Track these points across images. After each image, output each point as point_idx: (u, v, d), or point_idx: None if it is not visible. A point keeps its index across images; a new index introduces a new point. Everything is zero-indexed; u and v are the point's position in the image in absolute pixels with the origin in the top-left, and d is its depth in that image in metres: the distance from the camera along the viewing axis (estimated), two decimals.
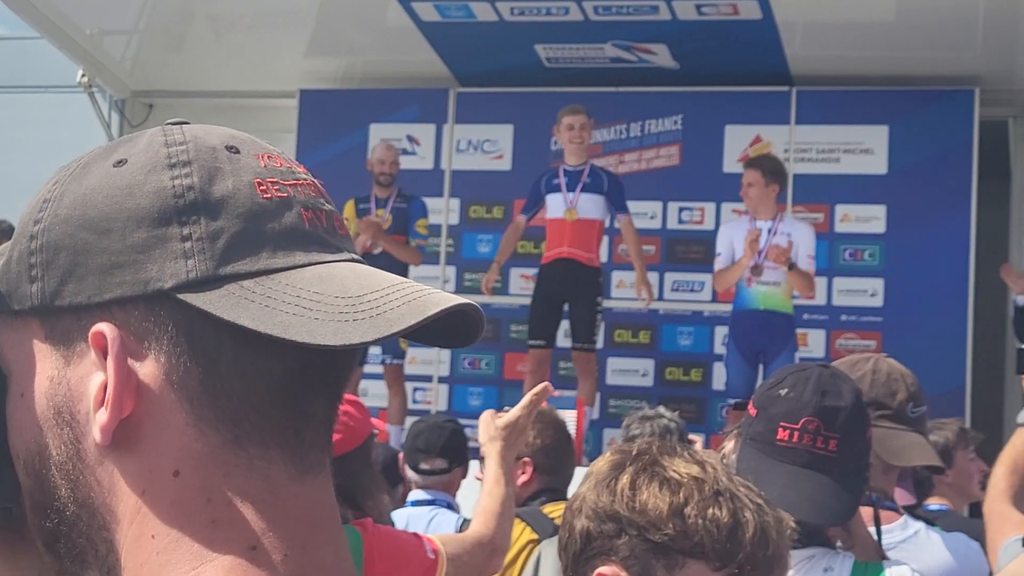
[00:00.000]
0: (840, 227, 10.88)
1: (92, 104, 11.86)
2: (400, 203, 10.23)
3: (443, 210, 11.47)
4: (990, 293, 11.05)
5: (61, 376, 0.99)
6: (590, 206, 9.69)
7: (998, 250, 11.06)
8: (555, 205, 9.78)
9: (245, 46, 11.62)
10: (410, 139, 11.79)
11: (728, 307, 9.71)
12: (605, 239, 10.88)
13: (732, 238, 9.37)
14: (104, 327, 0.95)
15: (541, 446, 4.52)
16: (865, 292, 10.81)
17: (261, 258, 0.97)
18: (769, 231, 9.15)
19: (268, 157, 1.04)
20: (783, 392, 2.75)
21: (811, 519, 2.67)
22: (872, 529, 2.97)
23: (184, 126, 1.04)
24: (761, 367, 9.07)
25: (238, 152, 1.02)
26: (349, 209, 10.22)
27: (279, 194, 1.00)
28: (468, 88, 11.74)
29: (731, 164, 11.08)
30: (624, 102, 11.32)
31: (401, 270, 10.00)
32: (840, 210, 10.92)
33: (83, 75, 11.64)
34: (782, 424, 2.71)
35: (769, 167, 9.25)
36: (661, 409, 5.51)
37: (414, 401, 10.88)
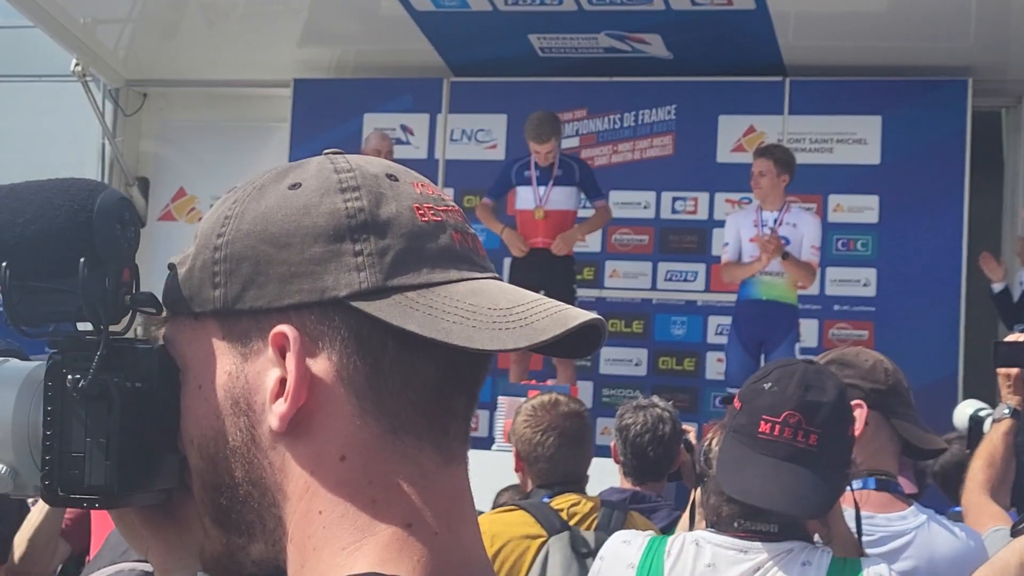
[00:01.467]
0: (833, 217, 10.89)
1: (86, 93, 11.83)
2: None
3: None
4: (982, 283, 11.07)
5: (239, 371, 1.13)
6: (562, 198, 9.78)
7: (990, 240, 11.07)
8: (525, 198, 9.85)
9: (239, 35, 11.61)
10: (404, 128, 11.80)
11: (722, 296, 9.75)
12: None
13: (740, 228, 9.39)
14: (285, 328, 1.09)
15: (542, 440, 4.45)
16: (858, 282, 10.83)
17: (422, 273, 1.10)
18: (775, 221, 9.17)
19: (422, 185, 1.18)
20: (767, 386, 2.80)
21: (789, 511, 2.72)
22: (853, 525, 2.99)
23: (347, 155, 1.19)
24: (763, 357, 9.08)
25: (397, 180, 1.16)
26: None
27: (434, 218, 1.14)
28: (462, 78, 11.74)
29: (724, 154, 11.10)
30: (618, 92, 11.33)
31: None
32: (833, 200, 10.93)
33: (77, 64, 11.62)
34: (764, 417, 2.76)
35: (781, 157, 9.25)
36: (655, 399, 5.52)
37: None
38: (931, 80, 10.79)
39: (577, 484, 4.45)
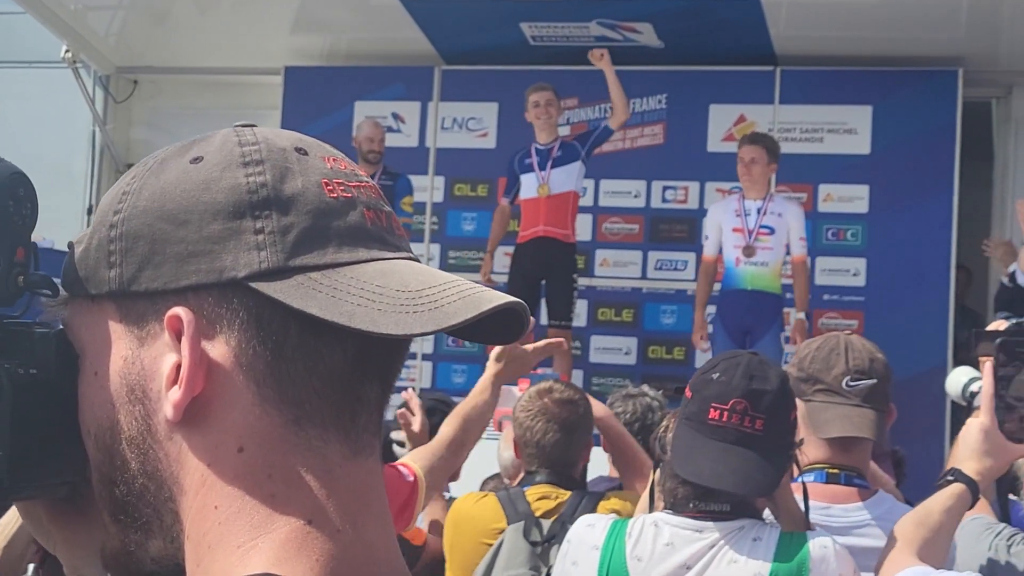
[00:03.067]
0: (823, 207, 10.91)
1: (76, 80, 11.81)
2: (386, 180, 10.25)
3: (428, 188, 11.48)
4: (972, 273, 11.12)
5: (135, 356, 1.07)
6: (563, 178, 9.80)
7: (980, 230, 11.10)
8: (528, 185, 9.89)
9: (230, 22, 11.59)
10: (395, 116, 11.79)
11: (711, 286, 9.75)
12: (589, 217, 10.91)
13: (720, 221, 9.45)
14: (180, 311, 1.03)
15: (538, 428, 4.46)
16: (847, 272, 10.85)
17: (327, 252, 1.04)
18: (759, 211, 9.21)
19: (333, 160, 1.11)
20: (715, 376, 3.00)
21: (738, 490, 2.94)
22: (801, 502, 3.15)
23: (255, 128, 1.12)
24: (748, 346, 9.12)
25: (306, 154, 1.10)
26: None
27: (344, 194, 1.08)
28: (453, 66, 11.74)
29: (715, 143, 11.11)
30: None
31: None
32: (823, 190, 10.95)
33: (67, 51, 11.59)
34: (713, 405, 2.96)
35: (771, 146, 9.33)
36: (645, 387, 5.53)
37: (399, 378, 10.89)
38: (922, 70, 10.80)
39: (567, 472, 4.46)
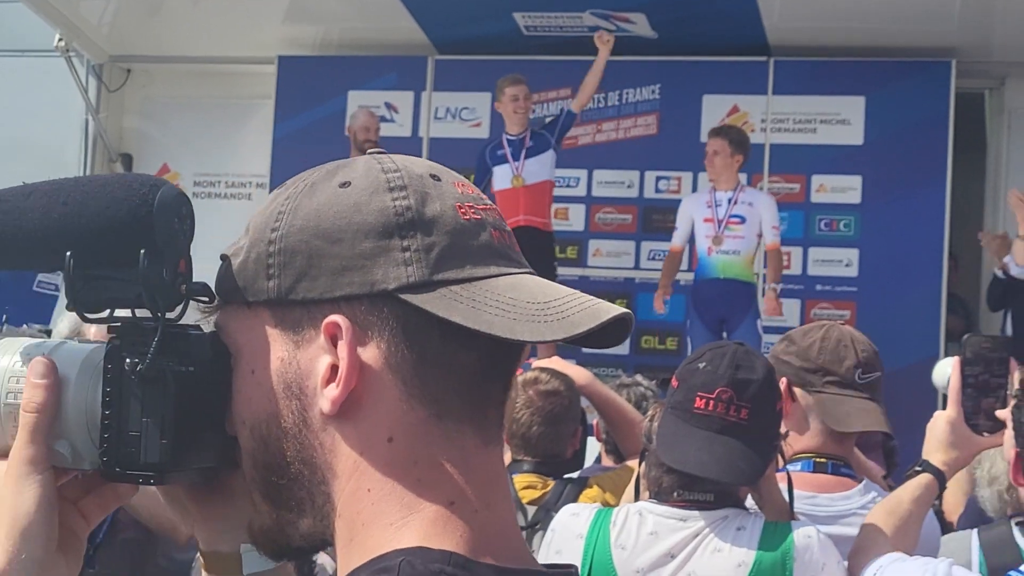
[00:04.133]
0: (816, 197, 10.93)
1: (69, 68, 11.80)
2: None
3: None
4: (965, 263, 11.13)
5: (291, 357, 1.21)
6: (536, 168, 9.86)
7: (973, 221, 11.12)
8: (502, 176, 9.93)
9: (223, 12, 11.57)
10: (388, 106, 11.79)
11: (674, 275, 9.83)
12: (582, 207, 10.93)
13: (692, 213, 9.63)
14: (338, 318, 1.17)
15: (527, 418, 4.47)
16: (840, 262, 10.86)
17: (465, 268, 1.18)
18: (730, 200, 9.31)
19: (462, 185, 1.25)
20: (701, 365, 3.03)
21: (723, 479, 2.97)
22: (785, 492, 3.17)
23: (392, 156, 1.27)
24: (724, 335, 9.19)
25: (439, 180, 1.24)
26: None
27: (475, 216, 1.22)
28: (446, 56, 11.74)
29: (708, 134, 11.12)
30: None
31: None
32: (816, 180, 10.96)
33: (60, 39, 11.58)
34: (699, 394, 3.00)
35: (736, 137, 9.43)
36: (638, 377, 5.55)
37: None
38: (915, 61, 10.82)
39: (553, 462, 4.47)
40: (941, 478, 3.04)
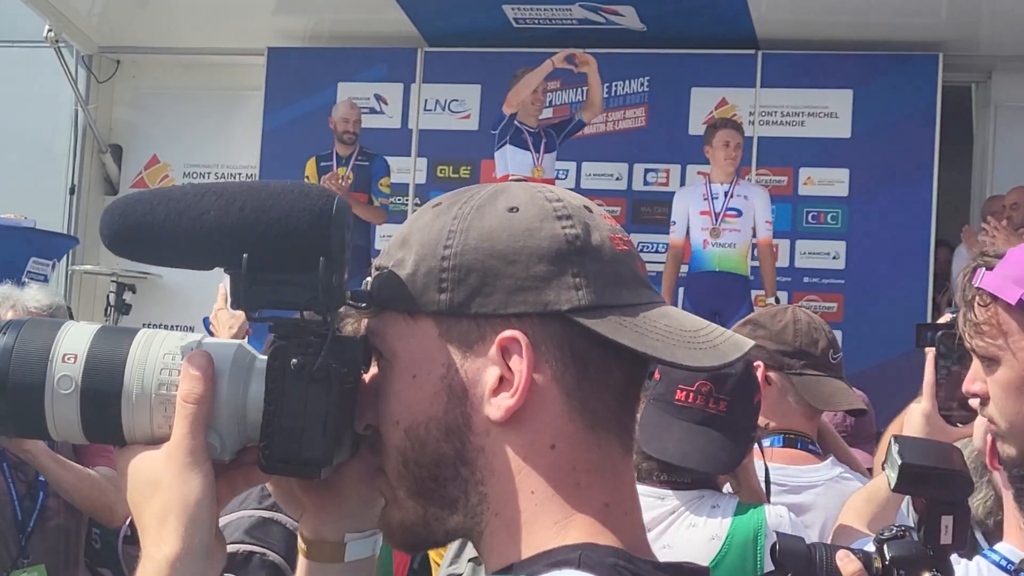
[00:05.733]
0: (803, 190, 10.96)
1: (59, 59, 11.79)
2: (362, 160, 10.27)
3: (410, 169, 11.51)
4: (953, 248, 11.15)
5: (458, 365, 1.28)
6: (549, 165, 9.90)
7: (959, 214, 11.16)
8: (523, 162, 9.84)
9: (213, 3, 11.59)
10: (378, 98, 11.80)
11: (678, 270, 9.84)
12: None
13: (688, 205, 9.57)
14: (517, 334, 1.25)
15: None
16: (827, 255, 10.90)
17: (624, 295, 1.28)
18: (726, 193, 9.31)
19: (608, 217, 1.35)
20: None
21: (703, 468, 3.09)
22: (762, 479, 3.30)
23: (545, 185, 1.37)
24: None
25: (592, 212, 1.33)
26: (311, 167, 10.27)
27: (623, 247, 1.32)
28: (436, 48, 11.75)
29: (696, 126, 11.12)
30: None
31: (364, 229, 10.03)
32: (804, 173, 10.99)
33: (49, 30, 11.59)
34: (680, 386, 3.11)
35: (742, 131, 9.46)
36: None
37: None
38: (902, 55, 10.85)
39: None
40: None
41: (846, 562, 2.29)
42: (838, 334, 10.37)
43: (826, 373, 3.59)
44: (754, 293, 9.61)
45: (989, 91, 11.28)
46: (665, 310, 1.31)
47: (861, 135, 10.89)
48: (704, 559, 2.98)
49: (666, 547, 3.03)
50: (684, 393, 3.10)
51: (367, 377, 1.36)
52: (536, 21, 11.23)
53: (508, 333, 1.25)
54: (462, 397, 1.28)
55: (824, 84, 10.96)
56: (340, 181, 9.90)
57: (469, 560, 4.25)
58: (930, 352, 3.08)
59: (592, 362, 1.27)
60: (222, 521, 1.46)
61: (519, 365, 1.25)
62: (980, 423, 2.78)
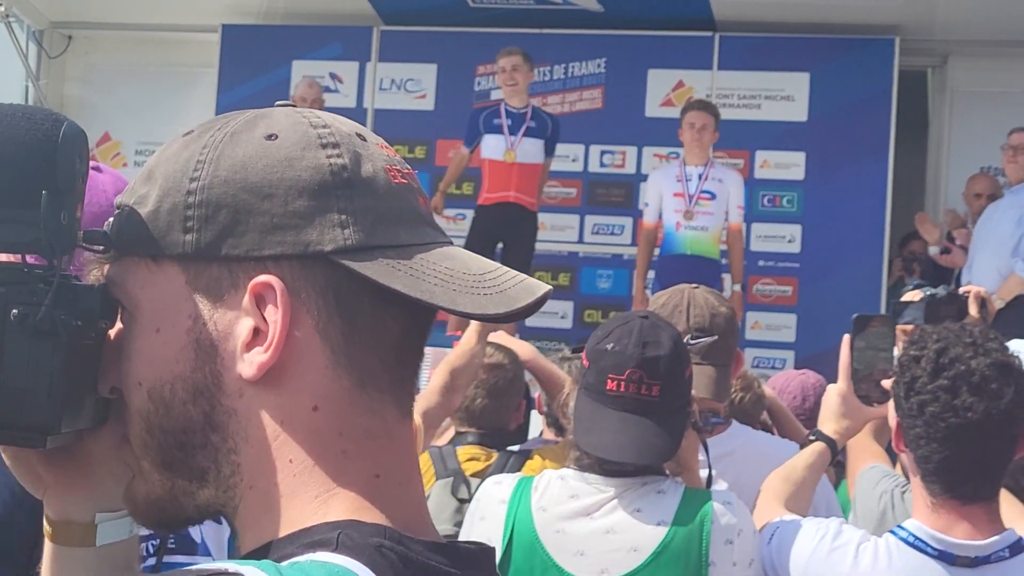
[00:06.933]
0: (759, 173, 10.97)
1: (9, 35, 11.68)
2: None
3: None
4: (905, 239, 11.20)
5: (207, 317, 1.13)
6: (533, 150, 9.75)
7: (914, 198, 11.21)
8: (495, 146, 9.76)
9: None
10: (333, 76, 11.73)
11: (652, 253, 9.81)
12: None
13: (661, 188, 9.50)
14: (270, 278, 1.10)
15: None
16: (783, 238, 10.92)
17: (399, 234, 1.13)
18: (700, 176, 9.27)
19: (386, 147, 1.20)
20: (609, 346, 3.07)
21: (640, 460, 3.04)
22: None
23: (313, 110, 1.20)
24: None
25: (365, 140, 1.18)
26: None
27: (402, 180, 1.17)
28: (392, 27, 11.68)
29: (653, 108, 11.14)
30: (548, 44, 11.29)
31: None
32: (760, 156, 11.01)
33: (0, 4, 11.45)
34: (610, 376, 3.04)
35: (716, 112, 9.44)
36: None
37: None
38: (859, 38, 10.87)
39: (497, 434, 4.50)
40: (833, 446, 3.30)
41: None
42: (792, 318, 10.56)
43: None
44: (725, 277, 9.61)
45: (945, 76, 11.31)
46: (448, 251, 1.16)
47: (817, 119, 10.91)
48: (650, 543, 2.98)
49: (610, 532, 3.02)
50: (615, 383, 3.03)
51: (113, 332, 1.19)
52: (494, 1, 11.17)
53: (262, 278, 1.10)
54: (211, 353, 1.12)
55: (781, 67, 10.98)
56: None
57: None
58: (846, 337, 3.32)
59: (362, 311, 1.11)
60: None
61: (274, 315, 1.09)
62: (891, 406, 2.94)
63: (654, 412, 3.02)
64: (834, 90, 10.86)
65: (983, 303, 3.54)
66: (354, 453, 1.12)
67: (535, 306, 1.14)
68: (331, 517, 1.08)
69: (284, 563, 1.03)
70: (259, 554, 1.09)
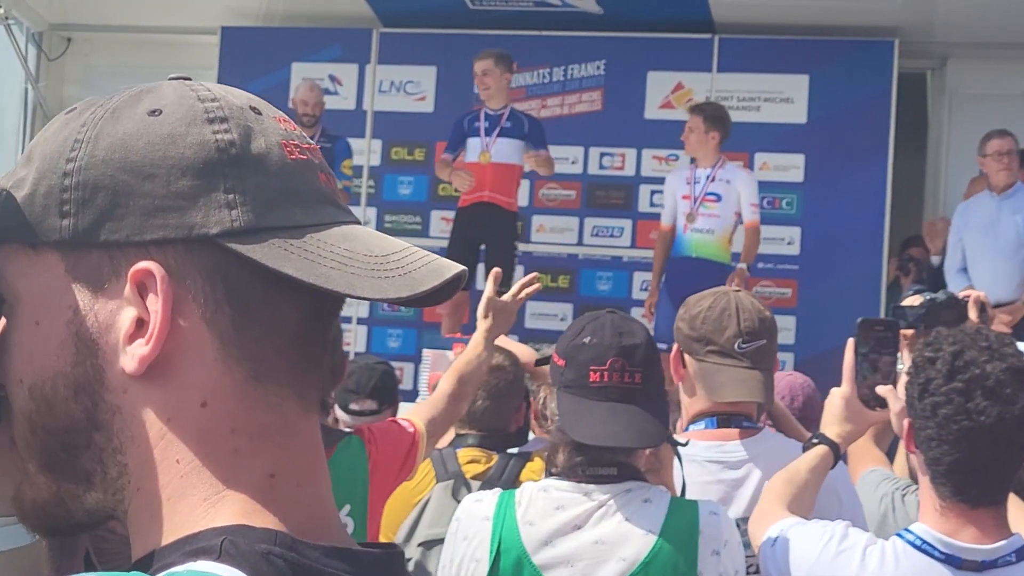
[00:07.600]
0: (759, 175, 10.86)
1: (8, 37, 11.67)
2: (324, 143, 10.18)
3: (365, 151, 11.43)
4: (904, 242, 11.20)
5: (87, 307, 1.05)
6: (508, 150, 9.73)
7: (914, 201, 11.21)
8: (473, 148, 9.82)
9: None
10: (332, 79, 11.72)
11: (647, 253, 9.84)
12: (526, 183, 10.90)
13: (674, 190, 9.48)
14: (151, 265, 1.02)
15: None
16: (782, 240, 10.91)
17: (295, 215, 1.05)
18: (707, 178, 9.24)
19: (284, 120, 1.12)
20: (586, 340, 3.12)
21: (636, 444, 3.07)
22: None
23: (205, 83, 1.12)
24: None
25: (260, 113, 1.10)
26: None
27: (300, 156, 1.09)
28: (391, 28, 11.68)
29: (652, 110, 11.13)
30: (547, 46, 11.30)
31: None
32: (759, 158, 10.99)
33: None
34: (592, 368, 3.07)
35: (711, 113, 9.33)
36: None
37: None
38: (858, 40, 10.87)
39: (497, 436, 4.49)
40: (836, 449, 3.30)
41: None
42: (791, 320, 10.54)
43: (729, 361, 3.53)
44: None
45: (944, 78, 11.31)
46: (348, 230, 1.07)
47: (817, 121, 10.91)
48: (638, 553, 2.99)
49: (599, 542, 3.02)
50: (597, 374, 3.05)
51: None
52: (493, 3, 11.17)
53: (142, 265, 1.02)
54: (92, 347, 1.04)
55: (780, 69, 10.97)
56: None
57: (419, 544, 4.22)
58: (850, 340, 3.32)
59: (254, 298, 1.03)
60: None
61: (155, 304, 1.01)
62: (896, 408, 2.93)
63: (639, 399, 3.06)
64: (833, 92, 10.86)
65: (983, 308, 3.54)
66: (247, 452, 1.04)
67: (444, 289, 1.07)
68: (219, 522, 1.01)
69: (160, 575, 0.98)
70: (144, 563, 1.02)
